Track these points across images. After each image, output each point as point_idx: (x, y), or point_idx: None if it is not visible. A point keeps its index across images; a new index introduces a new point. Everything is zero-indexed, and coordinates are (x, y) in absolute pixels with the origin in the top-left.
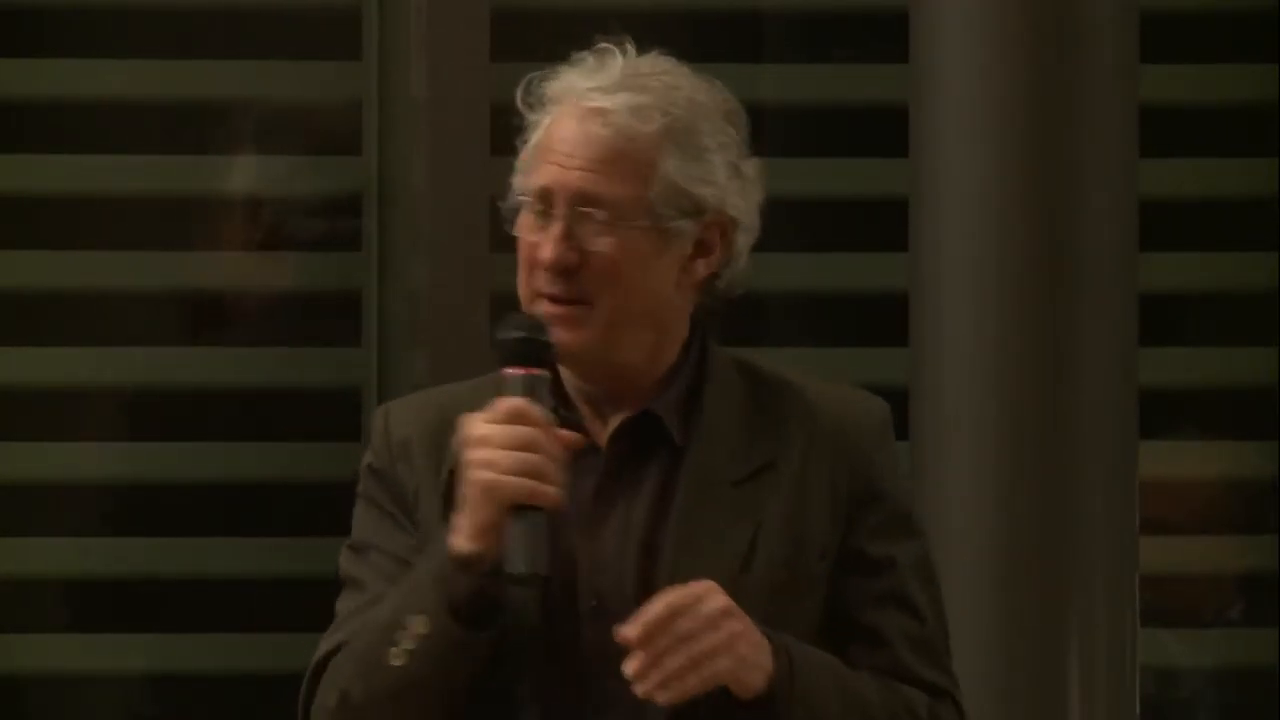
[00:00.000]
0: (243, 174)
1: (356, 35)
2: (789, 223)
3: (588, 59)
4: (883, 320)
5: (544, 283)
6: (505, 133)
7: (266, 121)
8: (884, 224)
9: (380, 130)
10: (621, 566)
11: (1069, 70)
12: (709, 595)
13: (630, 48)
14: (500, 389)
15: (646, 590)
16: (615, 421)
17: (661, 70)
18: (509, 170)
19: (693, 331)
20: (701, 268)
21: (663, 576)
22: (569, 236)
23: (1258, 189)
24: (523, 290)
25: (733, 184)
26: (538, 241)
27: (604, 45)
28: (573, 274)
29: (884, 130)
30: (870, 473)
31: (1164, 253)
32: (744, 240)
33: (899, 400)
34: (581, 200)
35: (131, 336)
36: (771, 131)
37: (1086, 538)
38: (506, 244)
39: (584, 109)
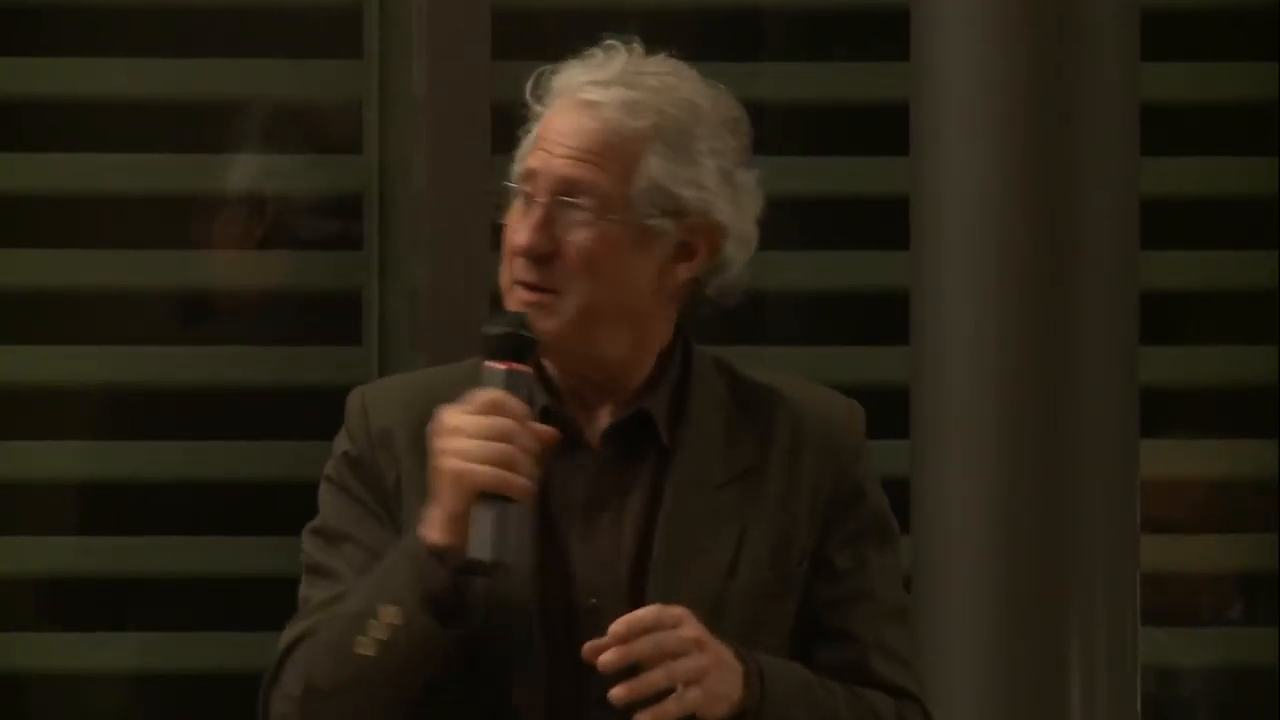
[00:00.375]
0: (243, 173)
1: (358, 34)
2: (790, 221)
3: (598, 55)
4: (884, 318)
5: (520, 269)
6: (506, 132)
7: (267, 120)
8: (885, 222)
9: (381, 129)
10: (617, 567)
11: (1070, 68)
12: (686, 621)
13: (638, 46)
14: (479, 377)
15: (638, 593)
16: (606, 421)
17: (665, 70)
18: (510, 169)
19: (677, 333)
20: (683, 271)
21: (655, 580)
22: (546, 224)
23: (1258, 188)
24: (503, 278)
25: (723, 191)
26: (514, 226)
27: (612, 42)
28: (546, 262)
29: (885, 128)
30: (854, 477)
31: (1164, 251)
32: (736, 249)
33: (900, 399)
34: (562, 187)
35: (132, 335)
36: (771, 130)
37: (1087, 536)
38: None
39: (578, 101)
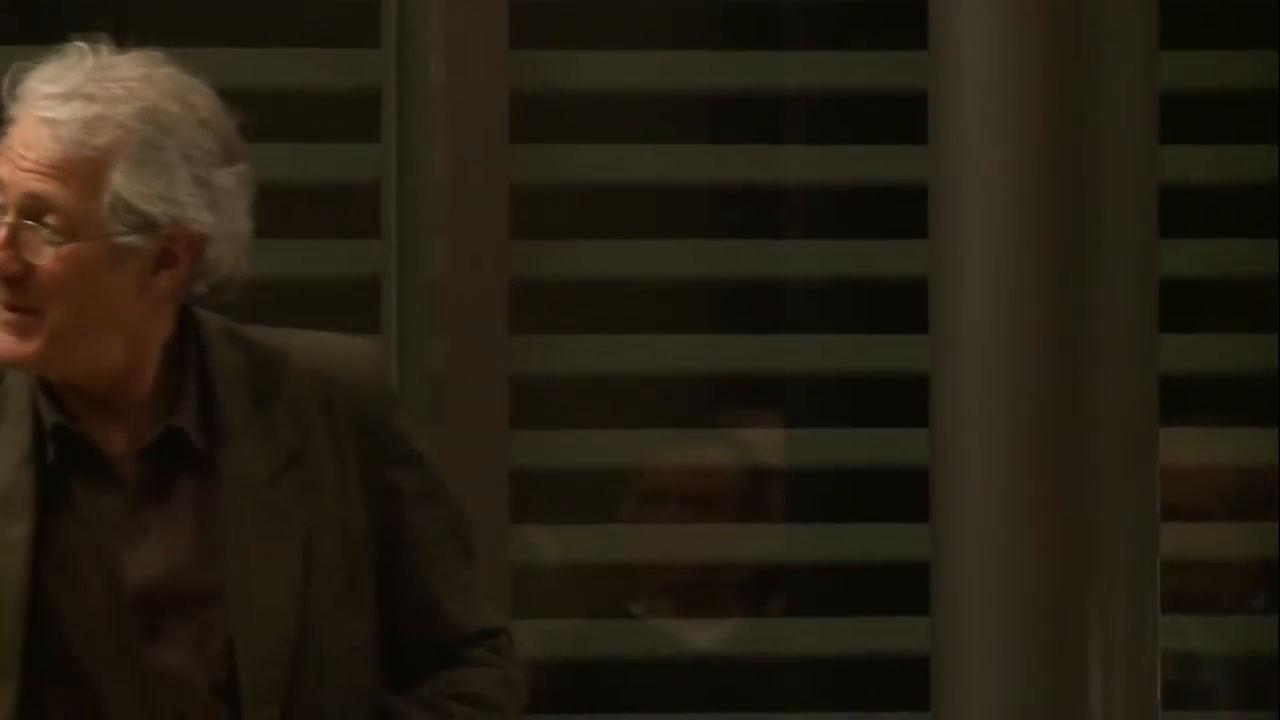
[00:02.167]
0: (262, 161)
1: (376, 23)
2: (808, 210)
3: (66, 56)
4: (902, 307)
5: None
6: (524, 121)
7: (285, 108)
8: (904, 211)
9: (399, 118)
10: (175, 587)
11: (1088, 55)
12: None
13: (105, 48)
14: None
15: (206, 609)
16: (127, 435)
17: (132, 76)
18: (528, 158)
19: (183, 322)
20: (165, 279)
21: (227, 597)
22: (12, 244)
23: (1272, 175)
24: None
25: (197, 197)
26: None
27: (79, 44)
28: (18, 282)
29: (903, 117)
30: (397, 430)
31: (1180, 239)
32: (224, 250)
33: (919, 388)
34: (29, 205)
35: None
36: (791, 119)
37: (1106, 524)
38: (525, 231)
39: (37, 117)
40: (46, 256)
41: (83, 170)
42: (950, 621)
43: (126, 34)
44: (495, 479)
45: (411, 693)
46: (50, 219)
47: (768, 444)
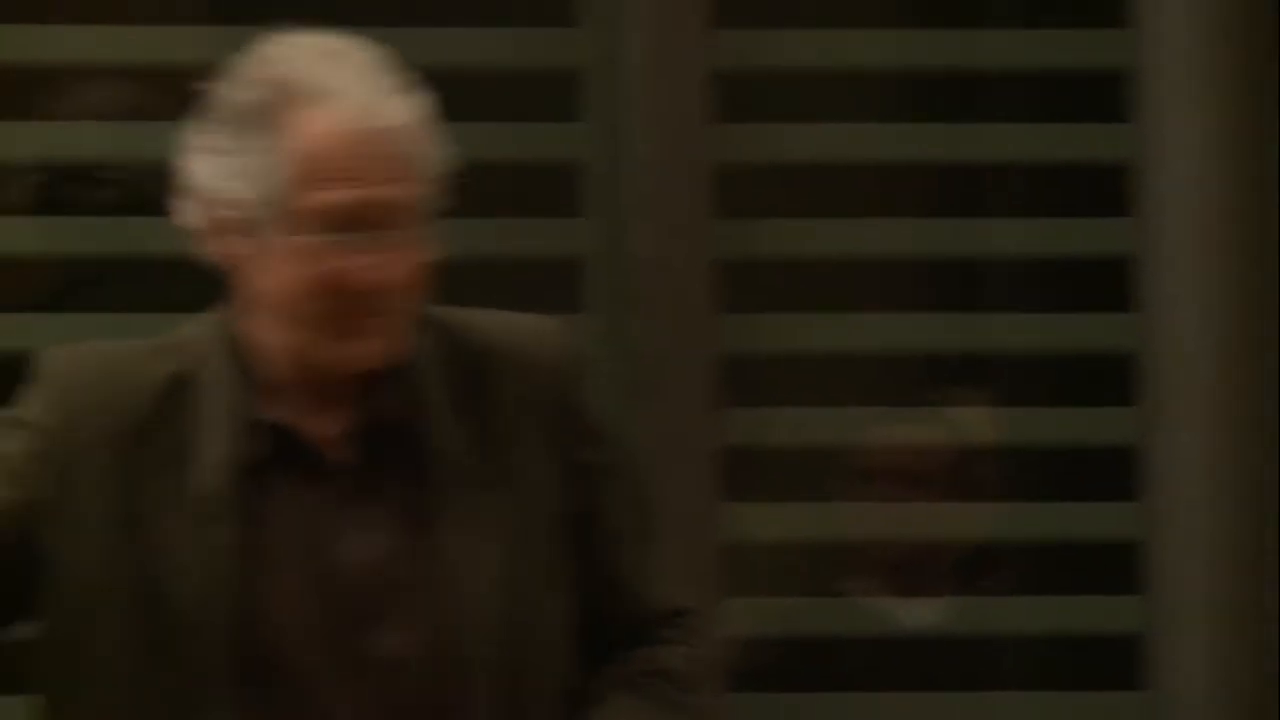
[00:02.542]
0: (466, 141)
1: (575, 2)
2: (1017, 188)
3: (328, 55)
4: (1111, 285)
5: (369, 307)
6: (725, 100)
7: (487, 88)
8: (1112, 188)
9: (600, 97)
10: (389, 572)
11: None
12: None
13: (353, 37)
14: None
15: (418, 592)
16: (338, 418)
17: (383, 61)
18: (729, 138)
19: None
20: None
21: (439, 580)
22: (391, 254)
23: None
24: (326, 327)
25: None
26: (351, 268)
27: (332, 36)
28: (388, 290)
29: (1109, 94)
30: (586, 416)
31: None
32: None
33: (1128, 366)
34: (389, 216)
35: None
36: (997, 96)
37: None
38: (728, 211)
39: (368, 128)
40: (409, 258)
41: (414, 166)
42: (1163, 599)
43: (329, 18)
44: (703, 458)
45: (608, 671)
46: (402, 221)
47: (977, 422)
